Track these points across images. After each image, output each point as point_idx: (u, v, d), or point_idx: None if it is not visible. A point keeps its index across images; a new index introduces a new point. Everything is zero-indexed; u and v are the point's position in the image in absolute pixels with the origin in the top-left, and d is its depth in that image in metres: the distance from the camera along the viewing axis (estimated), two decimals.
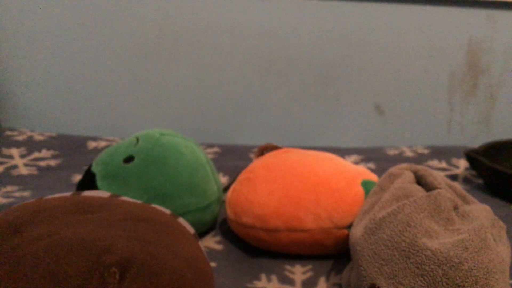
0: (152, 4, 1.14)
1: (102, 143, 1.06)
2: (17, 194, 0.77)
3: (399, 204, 0.47)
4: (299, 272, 0.58)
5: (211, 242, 0.65)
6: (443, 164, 0.99)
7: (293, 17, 1.16)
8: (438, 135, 1.26)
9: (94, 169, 0.62)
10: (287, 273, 0.58)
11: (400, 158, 1.02)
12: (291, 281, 0.56)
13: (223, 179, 0.88)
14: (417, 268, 0.42)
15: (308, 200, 0.58)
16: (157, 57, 1.18)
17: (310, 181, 0.60)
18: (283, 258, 0.61)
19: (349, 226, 0.58)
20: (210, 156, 1.03)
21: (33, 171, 0.88)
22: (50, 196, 0.42)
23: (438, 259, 0.41)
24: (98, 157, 0.64)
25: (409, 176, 0.54)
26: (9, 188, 0.79)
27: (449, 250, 0.42)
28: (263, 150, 0.84)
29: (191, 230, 0.44)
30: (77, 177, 0.86)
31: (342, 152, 1.07)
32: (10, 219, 0.36)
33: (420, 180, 0.54)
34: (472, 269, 0.41)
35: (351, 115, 1.24)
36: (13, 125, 1.21)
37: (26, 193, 0.77)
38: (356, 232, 0.49)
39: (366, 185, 0.61)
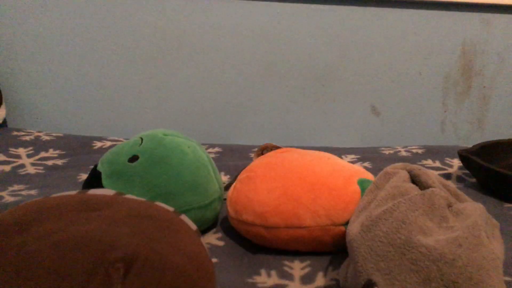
0: (156, 8, 1.15)
1: (108, 143, 1.06)
2: (24, 192, 0.78)
3: (394, 202, 0.48)
4: (297, 268, 0.59)
5: (213, 238, 0.66)
6: (437, 163, 0.99)
7: (291, 21, 1.17)
8: (432, 135, 1.26)
9: (100, 168, 0.63)
10: (286, 269, 0.58)
11: (395, 158, 1.03)
12: (290, 276, 0.57)
13: (224, 178, 0.88)
14: (412, 264, 0.42)
15: (307, 198, 0.59)
16: (160, 60, 1.19)
17: (308, 179, 0.61)
18: (282, 254, 0.62)
19: (346, 223, 0.59)
20: (212, 155, 1.03)
21: (40, 170, 0.89)
22: (56, 194, 0.43)
23: (432, 256, 0.42)
24: (103, 157, 0.65)
25: (404, 175, 0.54)
26: (16, 187, 0.80)
27: (444, 247, 0.42)
28: (263, 149, 0.85)
29: (194, 227, 0.44)
30: (83, 176, 0.87)
31: (339, 151, 1.08)
32: (17, 216, 0.36)
33: (414, 179, 0.54)
34: (466, 265, 0.41)
35: (348, 116, 1.24)
36: (20, 126, 1.22)
37: (33, 192, 0.78)
38: (353, 229, 0.50)
39: (363, 183, 0.61)
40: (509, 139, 0.94)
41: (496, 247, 0.47)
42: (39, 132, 1.11)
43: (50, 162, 0.93)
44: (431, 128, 1.26)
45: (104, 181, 0.61)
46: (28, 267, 0.31)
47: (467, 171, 0.95)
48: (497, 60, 1.21)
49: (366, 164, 0.98)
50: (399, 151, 1.09)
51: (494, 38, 1.20)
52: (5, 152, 0.96)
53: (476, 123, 1.23)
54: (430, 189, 0.49)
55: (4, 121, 1.20)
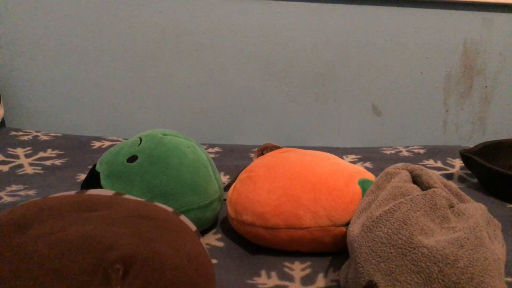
0: (155, 7, 1.15)
1: (106, 143, 1.07)
2: (22, 193, 0.78)
3: (395, 203, 0.48)
4: (298, 269, 0.58)
5: (212, 239, 0.66)
6: (439, 164, 0.99)
7: (292, 20, 1.17)
8: (433, 135, 1.27)
9: (99, 168, 0.63)
10: (286, 270, 0.58)
11: (396, 158, 1.03)
12: (290, 278, 0.57)
13: (224, 178, 0.88)
14: (413, 265, 0.42)
15: (307, 198, 0.59)
16: (159, 59, 1.19)
17: (309, 180, 0.61)
18: (282, 255, 0.62)
19: (347, 224, 0.59)
20: (212, 155, 1.04)
21: (38, 170, 0.89)
22: (54, 195, 0.42)
23: (434, 257, 0.42)
24: (102, 157, 0.65)
25: (406, 175, 0.54)
26: (14, 187, 0.80)
27: (445, 247, 0.42)
28: (263, 149, 0.85)
29: (193, 227, 0.44)
30: (82, 176, 0.87)
31: (340, 151, 1.08)
32: (15, 217, 0.36)
33: (416, 179, 0.54)
34: (467, 266, 0.41)
35: (349, 115, 1.24)
36: (18, 126, 1.22)
37: (31, 192, 0.78)
38: (354, 230, 0.50)
39: (364, 184, 0.61)
40: (511, 139, 0.94)
41: (498, 248, 0.47)
42: (37, 132, 1.11)
43: (48, 162, 0.93)
44: (432, 128, 1.26)
45: (102, 181, 0.61)
46: (27, 268, 0.31)
47: (468, 171, 0.95)
48: (498, 60, 1.21)
49: (367, 164, 0.98)
50: (401, 151, 1.09)
51: (495, 38, 1.20)
52: (3, 152, 0.96)
53: (478, 123, 1.23)
54: (432, 189, 0.49)
55: (2, 121, 1.20)
